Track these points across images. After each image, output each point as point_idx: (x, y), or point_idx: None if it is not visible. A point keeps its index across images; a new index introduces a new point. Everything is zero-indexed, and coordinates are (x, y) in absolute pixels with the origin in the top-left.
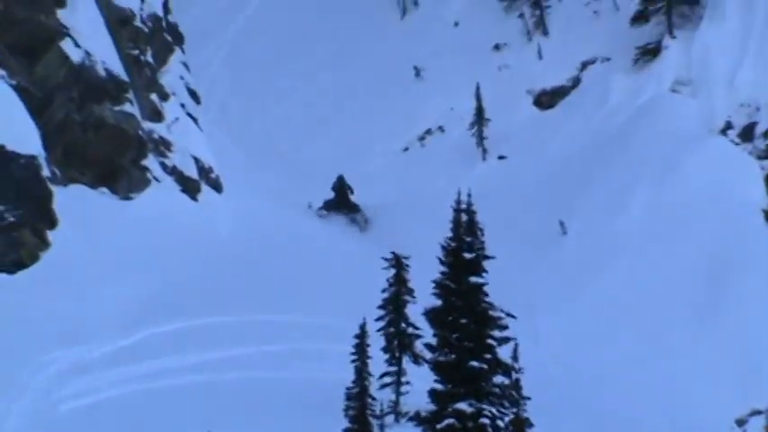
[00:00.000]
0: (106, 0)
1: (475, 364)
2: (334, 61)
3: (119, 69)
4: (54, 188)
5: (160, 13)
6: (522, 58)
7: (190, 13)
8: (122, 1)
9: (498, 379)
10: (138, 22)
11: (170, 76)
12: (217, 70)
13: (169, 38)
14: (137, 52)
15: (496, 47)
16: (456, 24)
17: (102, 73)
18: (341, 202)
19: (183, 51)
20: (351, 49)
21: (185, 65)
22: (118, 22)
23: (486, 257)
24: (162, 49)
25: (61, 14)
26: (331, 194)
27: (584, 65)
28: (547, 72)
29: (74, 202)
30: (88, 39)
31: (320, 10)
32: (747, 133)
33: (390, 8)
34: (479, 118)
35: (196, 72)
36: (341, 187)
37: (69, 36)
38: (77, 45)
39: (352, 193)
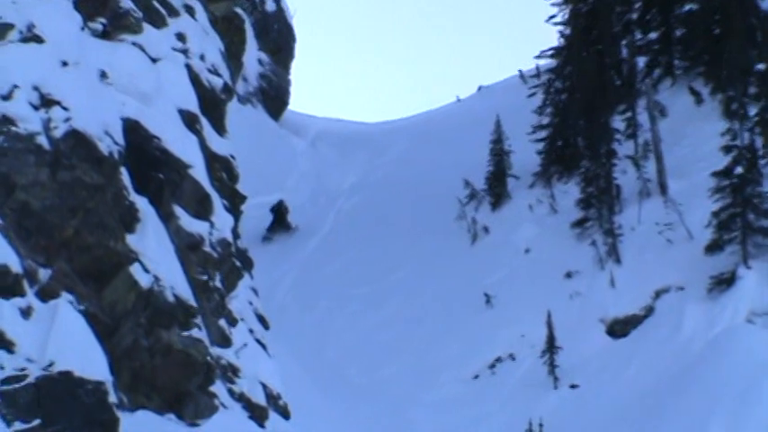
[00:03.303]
0: (176, 226)
1: None
2: (403, 287)
3: (187, 294)
4: (120, 414)
5: (230, 238)
6: (594, 286)
7: (259, 238)
8: (192, 226)
9: None
10: (207, 248)
11: (238, 301)
12: (285, 295)
13: (238, 263)
14: (205, 277)
15: (568, 274)
16: (527, 251)
17: (171, 298)
18: None
19: (251, 276)
20: (420, 274)
21: (254, 290)
22: (187, 248)
23: None
24: (230, 275)
25: (130, 240)
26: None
27: (658, 293)
28: (620, 300)
29: (140, 429)
30: (157, 264)
31: (388, 236)
32: None
33: (460, 234)
34: (551, 346)
35: (265, 297)
36: None
37: (138, 261)
38: (146, 270)
39: None
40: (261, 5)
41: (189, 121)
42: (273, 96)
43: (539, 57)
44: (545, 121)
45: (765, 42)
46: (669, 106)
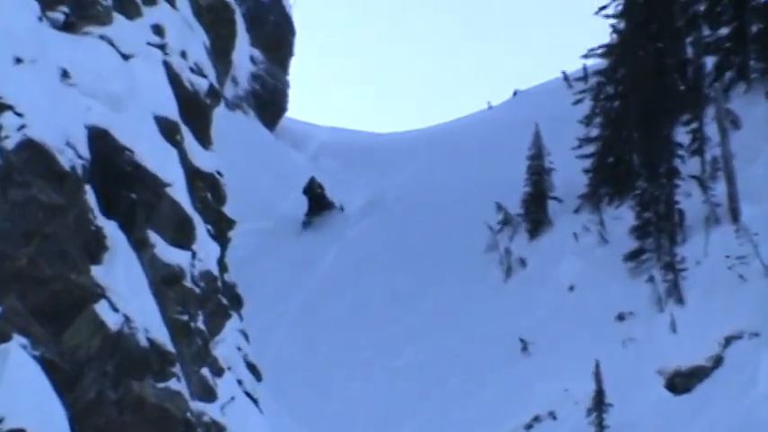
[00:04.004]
0: (151, 255)
1: None
2: (422, 330)
3: (164, 338)
4: None
5: (215, 271)
6: (651, 332)
7: (250, 271)
8: (170, 256)
9: None
10: (188, 282)
11: (225, 346)
12: (282, 340)
13: (225, 301)
14: (186, 318)
15: (620, 317)
16: (571, 289)
17: (144, 342)
18: None
19: (240, 317)
20: (443, 316)
21: (244, 333)
22: (164, 282)
23: None
24: (216, 315)
25: (96, 272)
26: None
27: (728, 340)
28: (682, 349)
29: None
30: (128, 301)
31: (404, 269)
32: None
33: (492, 268)
34: (599, 403)
35: (257, 342)
36: None
37: (105, 298)
38: (115, 309)
39: None
40: None
41: (167, 130)
42: (268, 101)
43: (586, 56)
44: (593, 132)
45: None
46: (743, 116)
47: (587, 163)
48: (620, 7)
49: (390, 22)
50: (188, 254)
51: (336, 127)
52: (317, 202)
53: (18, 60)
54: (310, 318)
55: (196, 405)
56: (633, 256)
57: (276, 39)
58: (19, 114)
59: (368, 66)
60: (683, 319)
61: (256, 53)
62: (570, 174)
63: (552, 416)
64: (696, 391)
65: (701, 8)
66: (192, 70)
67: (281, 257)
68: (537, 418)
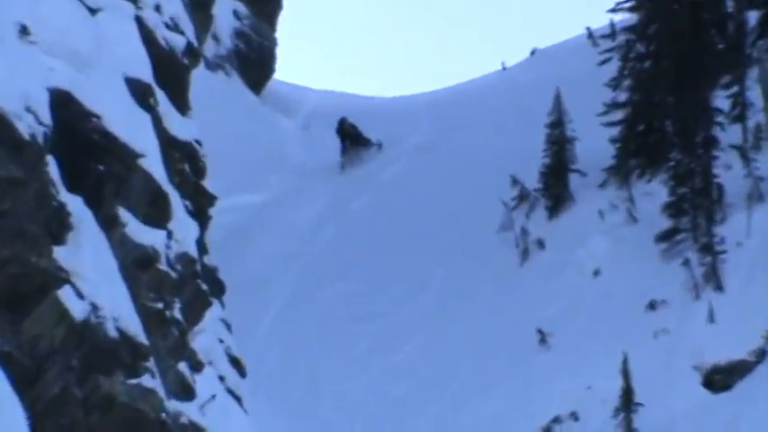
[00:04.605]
0: (120, 235)
1: None
2: (427, 321)
3: (135, 328)
4: None
5: (194, 253)
6: (686, 322)
7: (233, 253)
8: (142, 236)
9: None
10: (162, 265)
11: (205, 338)
12: (268, 331)
13: (205, 287)
14: (160, 305)
15: (651, 305)
16: (596, 274)
17: (113, 333)
18: None
19: (222, 305)
20: (450, 304)
21: (226, 323)
22: (136, 265)
23: None
24: (194, 302)
25: (60, 254)
26: None
27: None
28: (721, 341)
29: None
30: (95, 287)
31: (407, 252)
32: None
33: (506, 250)
34: (627, 402)
35: (240, 333)
36: None
37: (69, 283)
38: (80, 295)
39: None
40: None
41: (139, 93)
42: (254, 61)
43: (613, 10)
44: (621, 97)
45: None
46: None
47: (614, 131)
48: None
49: None
50: (163, 233)
51: (331, 90)
52: (353, 141)
53: None
54: (299, 306)
55: (172, 404)
56: (666, 236)
57: None
58: None
59: (367, 21)
60: (722, 307)
61: (240, 7)
62: (595, 143)
63: (574, 417)
64: (737, 388)
65: None
66: (167, 26)
67: (267, 236)
68: (557, 420)
